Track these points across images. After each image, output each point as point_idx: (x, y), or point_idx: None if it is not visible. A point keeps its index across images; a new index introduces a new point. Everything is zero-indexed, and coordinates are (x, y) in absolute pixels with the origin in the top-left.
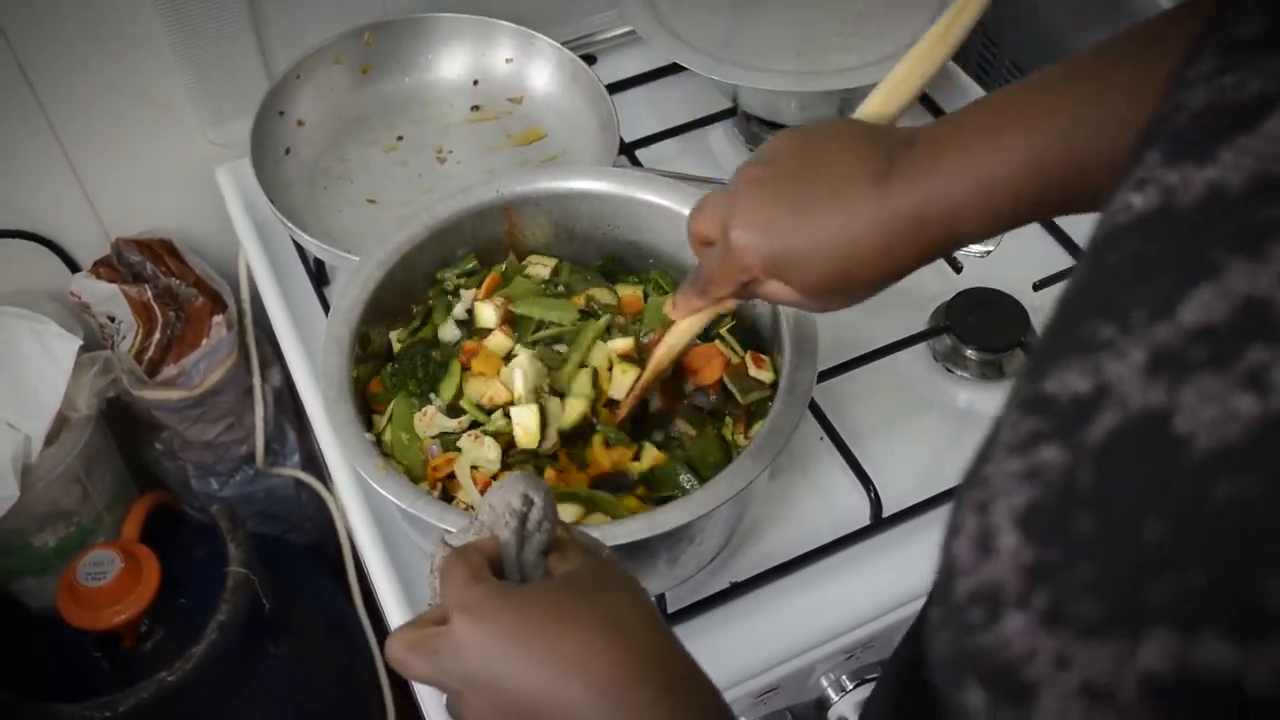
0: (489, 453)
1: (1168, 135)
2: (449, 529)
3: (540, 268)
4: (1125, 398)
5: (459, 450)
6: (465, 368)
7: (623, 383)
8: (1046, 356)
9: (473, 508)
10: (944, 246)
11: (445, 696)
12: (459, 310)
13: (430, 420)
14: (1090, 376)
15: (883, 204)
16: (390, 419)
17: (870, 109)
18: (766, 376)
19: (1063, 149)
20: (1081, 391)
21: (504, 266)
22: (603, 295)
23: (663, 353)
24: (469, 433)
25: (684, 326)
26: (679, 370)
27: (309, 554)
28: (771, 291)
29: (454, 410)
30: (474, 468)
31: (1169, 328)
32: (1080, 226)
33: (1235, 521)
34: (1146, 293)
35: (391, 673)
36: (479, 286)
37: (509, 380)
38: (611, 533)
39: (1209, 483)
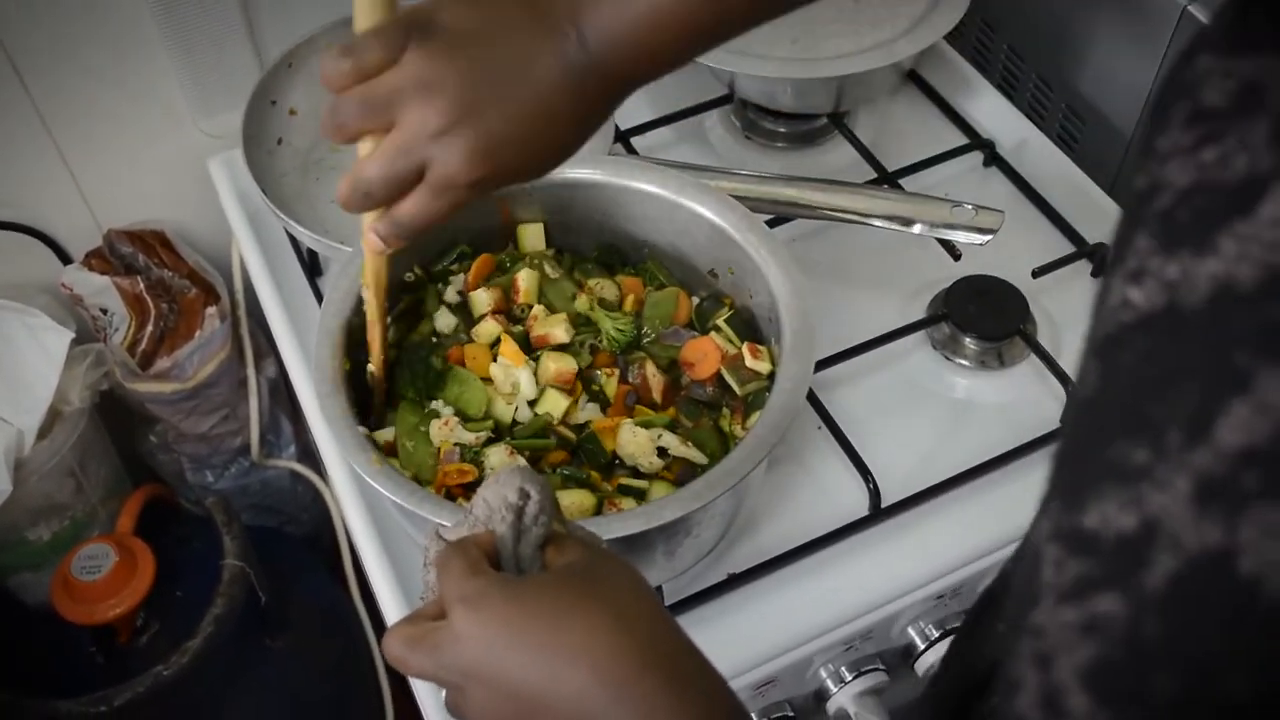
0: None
1: (1155, 218)
2: (443, 523)
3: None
4: (1178, 537)
5: (481, 463)
6: (460, 363)
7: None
8: (1079, 481)
9: None
10: (632, 84)
11: (445, 693)
12: (450, 294)
13: (451, 429)
14: (1134, 510)
15: (563, 67)
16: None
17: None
18: (764, 367)
19: None
20: (1127, 529)
21: (504, 258)
22: (606, 289)
23: (376, 289)
24: (499, 446)
25: (373, 261)
26: (673, 363)
27: (305, 546)
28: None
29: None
30: None
31: (1209, 452)
32: (1081, 213)
33: None
34: (1175, 407)
35: (389, 664)
36: (467, 273)
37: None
38: (608, 526)
39: None
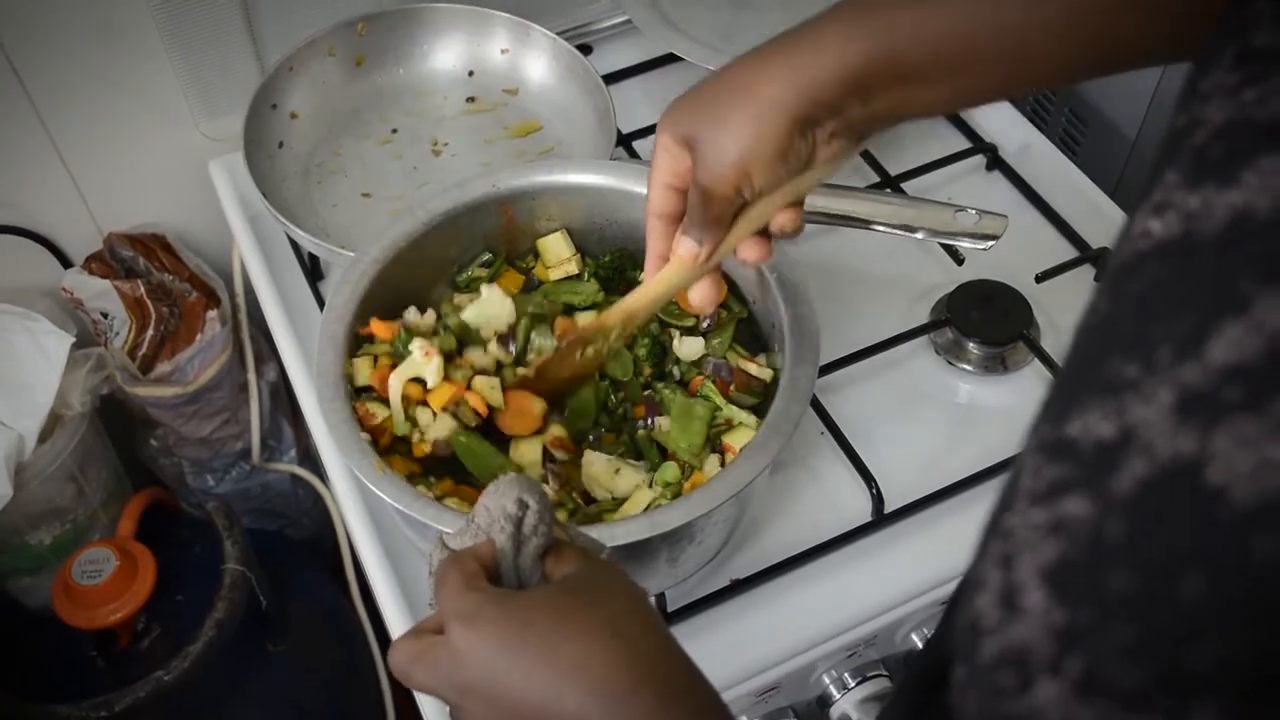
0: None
1: (1187, 153)
2: (445, 530)
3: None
4: (1153, 444)
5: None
6: None
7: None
8: (1068, 395)
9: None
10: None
11: (448, 709)
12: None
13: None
14: (1115, 420)
15: (781, 98)
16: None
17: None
18: (766, 374)
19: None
20: (1106, 436)
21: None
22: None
23: (644, 301)
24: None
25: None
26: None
27: (306, 549)
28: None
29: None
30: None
31: (1197, 367)
32: (1085, 218)
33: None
34: (1171, 328)
35: (390, 669)
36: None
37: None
38: (612, 532)
39: (1248, 538)
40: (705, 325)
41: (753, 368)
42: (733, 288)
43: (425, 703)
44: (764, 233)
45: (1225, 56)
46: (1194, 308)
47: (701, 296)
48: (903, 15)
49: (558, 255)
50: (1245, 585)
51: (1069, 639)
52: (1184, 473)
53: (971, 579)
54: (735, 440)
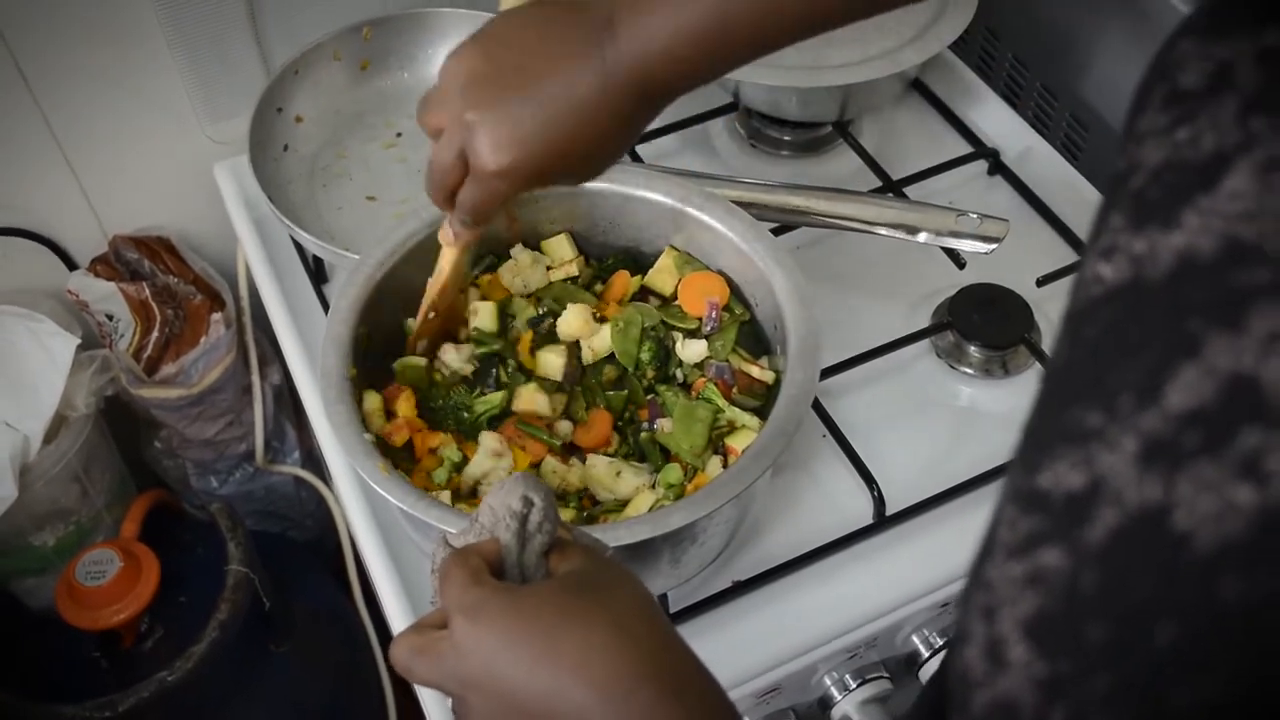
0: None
1: (1129, 197)
2: (449, 530)
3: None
4: (1121, 493)
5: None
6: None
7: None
8: (1038, 444)
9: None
10: (668, 96)
11: (450, 702)
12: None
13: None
14: (1083, 470)
15: (602, 80)
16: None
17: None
18: (768, 376)
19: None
20: (1075, 487)
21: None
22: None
23: (437, 285)
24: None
25: (450, 255)
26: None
27: (309, 552)
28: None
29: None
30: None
31: (1157, 414)
32: (1086, 222)
33: (1247, 621)
34: (1129, 374)
35: (392, 669)
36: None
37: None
38: (614, 533)
39: (1215, 583)
40: (708, 328)
41: (755, 370)
42: (735, 290)
43: (428, 703)
44: None
45: (1156, 97)
46: (1149, 353)
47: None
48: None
49: (561, 257)
50: (1215, 629)
51: (1052, 690)
52: (1151, 520)
53: (960, 629)
54: (737, 442)
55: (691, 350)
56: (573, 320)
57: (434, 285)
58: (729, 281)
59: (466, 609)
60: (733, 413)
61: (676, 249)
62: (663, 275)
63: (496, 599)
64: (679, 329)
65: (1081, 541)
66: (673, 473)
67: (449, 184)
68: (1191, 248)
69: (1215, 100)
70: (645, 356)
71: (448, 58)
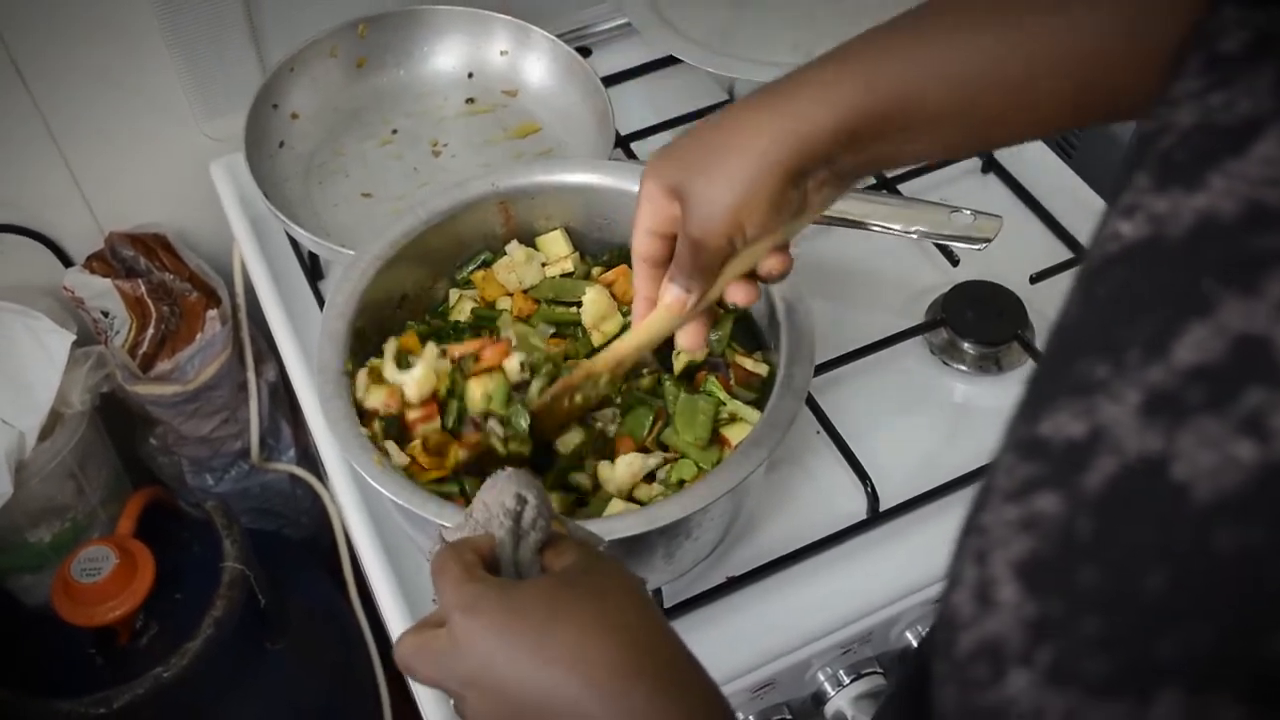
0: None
1: (1156, 157)
2: (445, 524)
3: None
4: (1121, 442)
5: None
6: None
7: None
8: (1041, 396)
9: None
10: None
11: (453, 702)
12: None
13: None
14: (1085, 419)
15: (770, 148)
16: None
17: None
18: (762, 369)
19: (913, 86)
20: (1076, 435)
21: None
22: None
23: (631, 347)
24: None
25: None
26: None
27: (304, 549)
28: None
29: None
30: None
31: (1163, 368)
32: (1079, 220)
33: (1240, 575)
34: (1139, 329)
35: (387, 667)
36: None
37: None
38: (608, 527)
39: (1210, 533)
40: None
41: (749, 363)
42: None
43: (423, 701)
44: (751, 275)
45: (1194, 62)
46: (1161, 309)
47: (690, 339)
48: (893, 65)
49: (556, 253)
50: (1207, 578)
51: (1040, 630)
52: (1150, 470)
53: (949, 576)
54: (733, 434)
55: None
56: (595, 304)
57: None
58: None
59: (462, 605)
60: (734, 406)
61: None
62: None
63: (491, 595)
64: None
65: (1079, 487)
66: (685, 468)
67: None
68: (1213, 209)
69: (1253, 67)
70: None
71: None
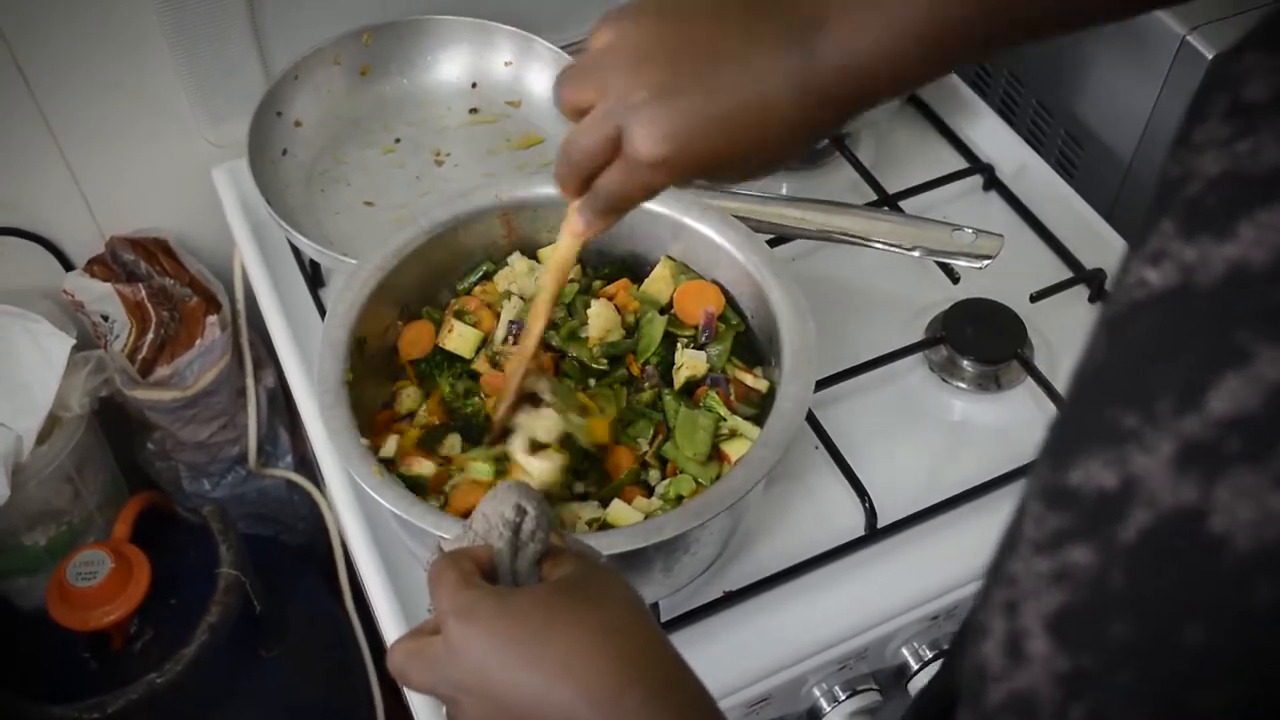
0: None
1: (1182, 204)
2: (444, 535)
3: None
4: (1155, 495)
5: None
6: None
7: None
8: (1068, 442)
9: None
10: (859, 107)
11: (445, 709)
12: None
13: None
14: (1116, 470)
15: (800, 68)
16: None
17: None
18: (762, 385)
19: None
20: (1108, 486)
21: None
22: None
23: (556, 269)
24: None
25: (568, 248)
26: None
27: (300, 555)
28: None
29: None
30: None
31: (1197, 419)
32: (1080, 239)
33: (1278, 630)
34: (1170, 378)
35: (382, 675)
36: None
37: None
38: (607, 541)
39: (1250, 586)
40: (703, 337)
41: (749, 379)
42: (731, 301)
43: (417, 709)
44: None
45: (1217, 107)
46: (1193, 358)
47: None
48: None
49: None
50: (1246, 632)
51: (1073, 685)
52: (1187, 523)
53: (976, 624)
54: (732, 450)
55: (690, 359)
56: (599, 318)
57: (550, 286)
58: (724, 292)
59: (458, 611)
60: (734, 421)
61: (672, 259)
62: (658, 284)
63: (488, 601)
64: (680, 335)
65: (1113, 540)
66: (684, 484)
67: (591, 168)
68: (1245, 259)
69: None
70: (654, 360)
71: (611, 19)
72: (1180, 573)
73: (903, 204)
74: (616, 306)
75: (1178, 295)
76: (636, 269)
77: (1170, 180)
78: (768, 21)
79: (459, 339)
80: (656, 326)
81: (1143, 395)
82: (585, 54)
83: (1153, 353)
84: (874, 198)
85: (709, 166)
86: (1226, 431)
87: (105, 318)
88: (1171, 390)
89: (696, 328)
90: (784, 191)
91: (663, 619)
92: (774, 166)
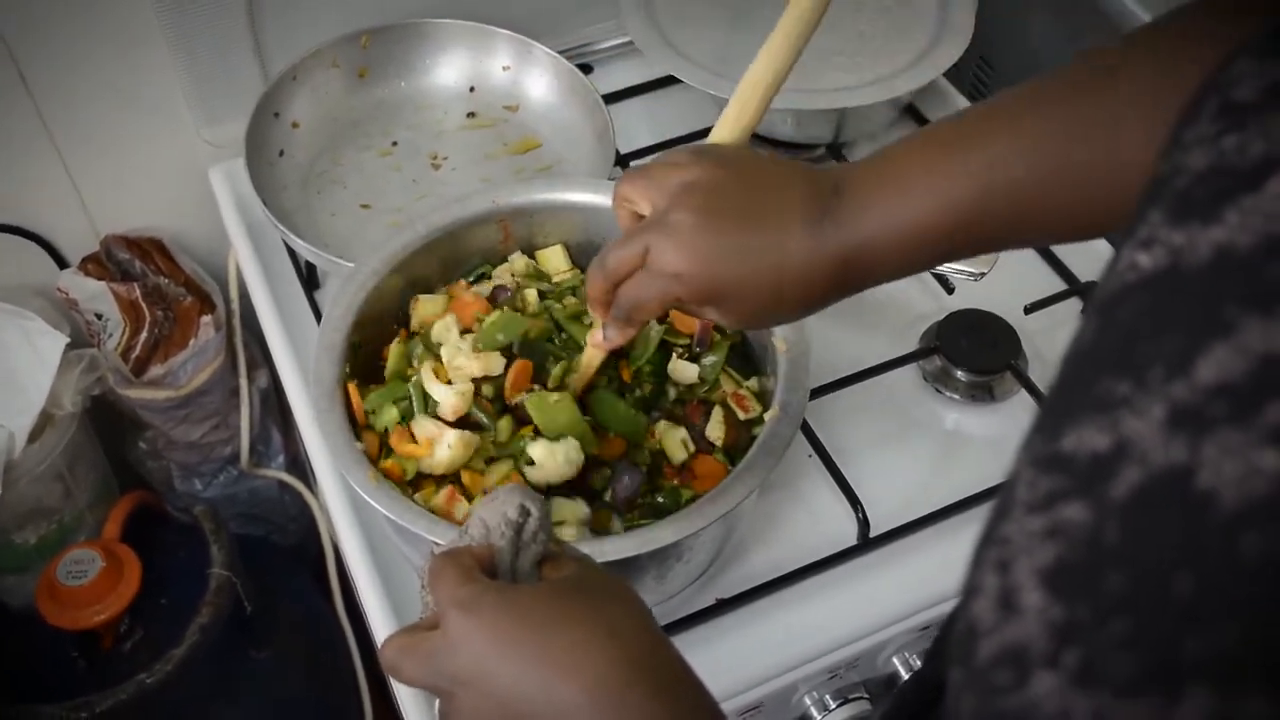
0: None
1: (1170, 196)
2: (438, 541)
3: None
4: (1146, 454)
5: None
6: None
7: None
8: (1061, 414)
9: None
10: (863, 286)
11: (437, 704)
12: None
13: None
14: (1109, 433)
15: (815, 248)
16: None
17: (722, 134)
18: (756, 409)
19: (980, 198)
20: (1101, 449)
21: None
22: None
23: (579, 378)
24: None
25: (590, 354)
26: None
27: (291, 555)
28: (692, 313)
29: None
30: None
31: (1186, 385)
32: (1074, 251)
33: (1266, 575)
34: (1161, 349)
35: (371, 676)
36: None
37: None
38: (601, 549)
39: (1236, 538)
40: (698, 346)
41: (744, 390)
42: None
43: (407, 710)
44: None
45: (1207, 109)
46: (1182, 332)
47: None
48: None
49: (556, 268)
50: (1233, 581)
51: (1066, 634)
52: (1176, 479)
53: (968, 587)
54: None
55: (683, 372)
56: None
57: (575, 382)
58: None
59: (460, 603)
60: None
61: None
62: None
63: (490, 595)
64: (676, 344)
65: (1105, 496)
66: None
67: (620, 277)
68: (1231, 242)
69: (1267, 112)
70: (647, 369)
71: (696, 151)
72: (1171, 526)
73: None
74: None
75: (1167, 276)
76: None
77: (1160, 175)
78: (802, 194)
79: (428, 304)
80: (653, 333)
81: (1135, 365)
82: (657, 163)
83: (1144, 326)
84: None
85: (718, 296)
86: (1214, 396)
87: (99, 316)
88: (1162, 360)
89: (692, 336)
90: None
91: None
92: (774, 320)
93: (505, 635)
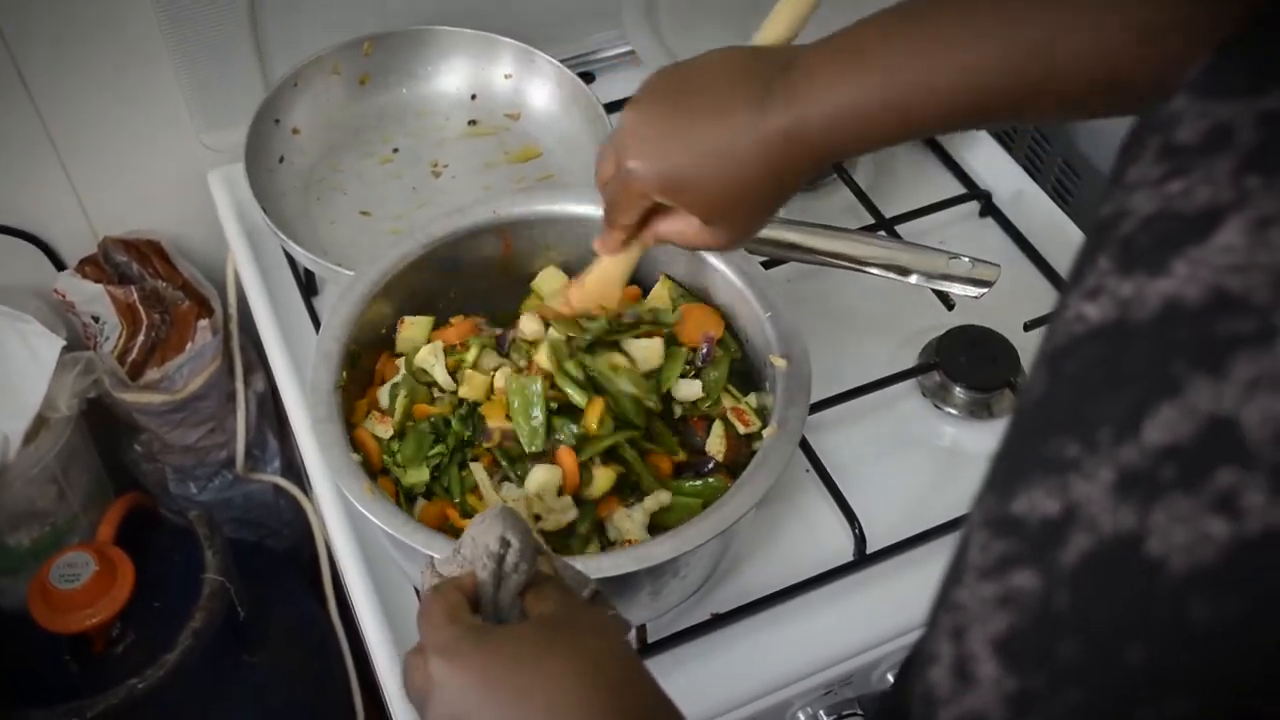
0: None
1: (1116, 242)
2: (433, 554)
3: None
4: (1095, 520)
5: None
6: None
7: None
8: (1011, 472)
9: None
10: (823, 158)
11: None
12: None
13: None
14: (1058, 497)
15: (759, 124)
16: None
17: (766, 36)
18: (755, 423)
19: (925, 78)
20: (1050, 513)
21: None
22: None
23: (583, 292)
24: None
25: (606, 265)
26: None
27: (285, 560)
28: (677, 230)
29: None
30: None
31: (1134, 447)
32: None
33: (1216, 645)
34: (1109, 409)
35: (363, 681)
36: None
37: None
38: (597, 565)
39: (1185, 606)
40: (700, 361)
41: (743, 405)
42: (728, 326)
43: (398, 716)
44: None
45: (1149, 149)
46: (1130, 390)
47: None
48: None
49: (552, 288)
50: (1184, 649)
51: (1021, 705)
52: (1126, 546)
53: (924, 651)
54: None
55: (686, 390)
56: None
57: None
58: (723, 318)
59: (440, 648)
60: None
61: (670, 278)
62: (656, 303)
63: (468, 639)
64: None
65: (1055, 564)
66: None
67: (602, 184)
68: (1179, 295)
69: (1211, 157)
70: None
71: (630, 102)
72: (1120, 594)
73: (899, 228)
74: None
75: (1115, 329)
76: (638, 282)
77: (1105, 218)
78: (747, 84)
79: (412, 326)
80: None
81: (1083, 425)
82: (611, 133)
83: (1092, 385)
84: (871, 221)
85: (678, 185)
86: (1162, 459)
87: (96, 319)
88: (1110, 420)
89: (695, 350)
90: (780, 214)
91: (649, 640)
92: (750, 214)
93: (484, 679)
